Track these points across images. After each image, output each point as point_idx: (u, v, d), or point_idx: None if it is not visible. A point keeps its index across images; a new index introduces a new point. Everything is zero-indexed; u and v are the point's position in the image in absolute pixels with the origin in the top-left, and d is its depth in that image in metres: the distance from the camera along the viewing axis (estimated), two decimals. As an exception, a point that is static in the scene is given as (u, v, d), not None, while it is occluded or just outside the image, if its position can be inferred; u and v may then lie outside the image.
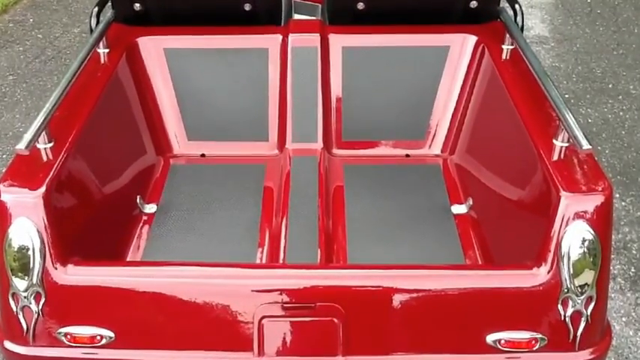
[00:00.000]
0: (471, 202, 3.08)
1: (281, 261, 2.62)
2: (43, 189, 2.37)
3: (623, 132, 4.94)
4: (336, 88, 3.40)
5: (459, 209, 3.11)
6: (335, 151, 3.39)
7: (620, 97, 5.35)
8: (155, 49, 3.38)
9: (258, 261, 2.83)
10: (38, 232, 2.33)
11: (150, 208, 3.11)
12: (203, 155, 3.43)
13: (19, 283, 2.32)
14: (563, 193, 2.34)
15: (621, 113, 5.15)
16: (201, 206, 3.11)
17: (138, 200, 3.08)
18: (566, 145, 2.51)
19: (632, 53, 5.95)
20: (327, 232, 2.82)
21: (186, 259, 2.79)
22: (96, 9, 3.39)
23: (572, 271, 2.30)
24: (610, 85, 5.50)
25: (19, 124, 4.99)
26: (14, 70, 5.67)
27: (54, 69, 5.69)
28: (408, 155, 3.42)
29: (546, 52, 5.93)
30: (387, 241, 2.93)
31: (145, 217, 3.07)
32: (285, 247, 2.68)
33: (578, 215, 2.32)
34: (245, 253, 2.86)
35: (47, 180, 2.40)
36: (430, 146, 3.42)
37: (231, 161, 3.38)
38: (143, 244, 2.93)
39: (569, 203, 2.33)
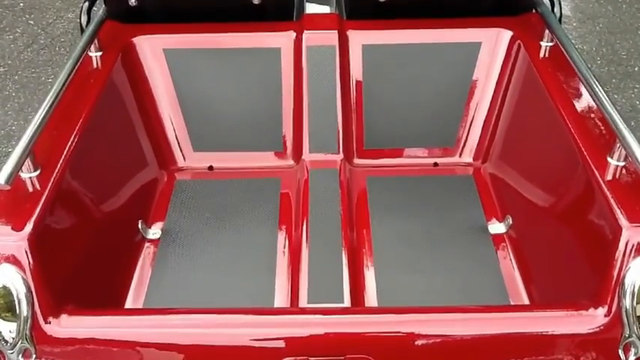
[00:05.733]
0: (510, 221, 2.81)
1: (304, 299, 2.34)
2: (28, 229, 2.10)
3: (653, 120, 4.66)
4: (357, 91, 3.12)
5: (497, 228, 2.84)
6: (356, 160, 3.11)
7: (648, 81, 5.06)
8: (154, 49, 3.10)
9: (276, 296, 2.56)
10: (24, 280, 2.05)
11: (153, 233, 2.84)
12: (211, 168, 3.16)
13: (5, 339, 2.05)
14: (625, 224, 2.10)
15: (649, 99, 4.87)
16: (210, 230, 2.85)
17: (140, 225, 2.81)
18: (622, 164, 2.26)
19: (657, 33, 5.65)
20: (352, 260, 2.55)
21: (196, 296, 2.55)
22: (86, 4, 3.14)
23: (636, 313, 2.05)
24: (636, 69, 5.19)
25: (11, 122, 4.69)
26: (4, 61, 5.34)
27: (48, 59, 5.35)
28: (436, 164, 3.15)
29: (569, 32, 5.62)
30: (418, 269, 2.67)
31: (147, 244, 2.80)
32: (307, 280, 2.40)
33: None
34: (261, 286, 2.60)
35: (33, 217, 2.13)
36: (461, 154, 3.16)
37: (242, 175, 3.10)
38: (147, 279, 2.67)
39: (632, 235, 2.08)
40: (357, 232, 2.79)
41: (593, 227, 2.27)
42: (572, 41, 2.92)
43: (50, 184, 2.26)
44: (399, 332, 2.08)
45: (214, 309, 2.20)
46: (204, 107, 3.14)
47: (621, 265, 2.08)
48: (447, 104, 3.14)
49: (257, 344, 2.07)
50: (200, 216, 2.91)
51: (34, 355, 2.06)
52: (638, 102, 4.84)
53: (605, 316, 2.07)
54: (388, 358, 2.06)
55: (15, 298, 2.04)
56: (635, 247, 2.08)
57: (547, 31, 2.90)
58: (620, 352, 2.06)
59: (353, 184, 2.98)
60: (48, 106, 2.43)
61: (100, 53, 2.91)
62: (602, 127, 2.46)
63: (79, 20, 3.17)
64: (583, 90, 2.62)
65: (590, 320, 2.08)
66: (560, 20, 3.08)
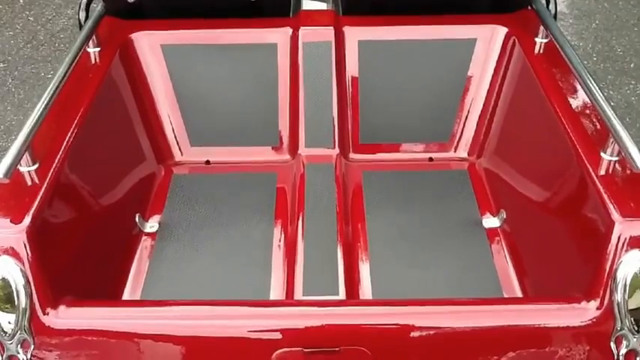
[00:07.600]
0: (504, 216, 2.82)
1: (299, 292, 2.36)
2: (27, 222, 2.11)
3: (648, 116, 4.65)
4: (352, 86, 3.13)
5: (491, 222, 2.86)
6: (352, 155, 3.13)
7: (643, 78, 5.05)
8: (151, 45, 3.11)
9: (272, 289, 2.58)
10: (22, 272, 2.07)
11: (151, 227, 2.86)
12: (208, 162, 3.17)
13: (4, 330, 2.07)
14: (617, 218, 2.11)
15: (644, 96, 4.86)
16: (206, 223, 2.86)
17: (137, 219, 2.83)
18: (616, 159, 2.27)
19: (654, 29, 5.65)
20: (348, 254, 2.57)
21: (192, 288, 2.57)
22: (84, 1, 3.14)
23: (627, 306, 2.06)
24: (632, 65, 5.20)
25: (10, 117, 4.70)
26: (4, 57, 5.35)
27: (47, 55, 5.37)
28: (431, 159, 3.17)
29: (565, 29, 5.61)
30: (413, 262, 2.69)
31: (144, 238, 2.81)
32: (303, 273, 2.42)
33: (634, 243, 2.08)
34: (257, 279, 2.61)
35: (32, 210, 2.14)
36: (455, 149, 3.17)
37: (239, 169, 3.12)
38: (144, 272, 2.68)
39: (624, 229, 2.09)
40: (352, 226, 2.80)
41: (586, 221, 2.28)
42: (568, 38, 2.95)
43: (48, 178, 2.27)
44: (393, 324, 2.09)
45: (210, 301, 2.22)
46: (201, 102, 3.15)
47: (613, 258, 2.08)
48: (443, 100, 3.15)
49: (253, 336, 2.08)
50: (197, 210, 2.93)
51: (32, 346, 2.08)
52: (633, 98, 4.83)
53: (598, 309, 2.08)
54: (382, 350, 2.07)
55: (13, 290, 2.05)
56: (627, 241, 2.08)
57: (542, 28, 2.91)
58: (612, 344, 2.07)
59: (348, 179, 3.00)
60: (47, 100, 2.44)
61: (98, 49, 2.92)
62: (596, 123, 2.47)
63: (77, 16, 3.19)
64: (577, 86, 2.63)
65: (583, 313, 2.09)
66: (555, 17, 3.09)
